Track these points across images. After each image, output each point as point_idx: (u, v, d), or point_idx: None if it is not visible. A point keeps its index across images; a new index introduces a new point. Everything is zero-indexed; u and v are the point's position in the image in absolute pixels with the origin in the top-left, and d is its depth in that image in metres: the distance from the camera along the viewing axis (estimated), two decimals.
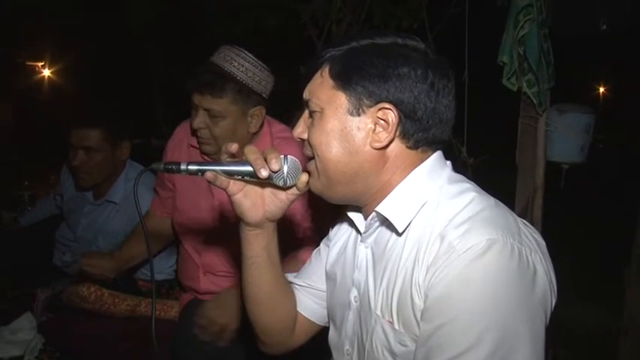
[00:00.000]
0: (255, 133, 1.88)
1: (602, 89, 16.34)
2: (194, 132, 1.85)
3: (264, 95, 1.83)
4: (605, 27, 2.34)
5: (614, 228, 3.81)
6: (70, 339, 2.03)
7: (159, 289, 2.28)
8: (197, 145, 1.91)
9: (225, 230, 1.87)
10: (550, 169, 2.45)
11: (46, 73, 10.57)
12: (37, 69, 10.49)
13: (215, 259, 1.96)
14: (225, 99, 1.76)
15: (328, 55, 1.06)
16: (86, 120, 2.27)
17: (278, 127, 1.96)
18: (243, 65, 1.77)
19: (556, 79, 2.34)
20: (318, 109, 1.06)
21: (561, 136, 2.37)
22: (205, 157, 1.90)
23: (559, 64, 2.34)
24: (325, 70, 1.06)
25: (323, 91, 1.05)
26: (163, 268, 2.34)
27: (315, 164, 1.09)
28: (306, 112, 1.11)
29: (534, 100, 2.26)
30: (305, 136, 1.10)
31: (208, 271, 1.98)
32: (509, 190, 2.46)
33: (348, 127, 1.03)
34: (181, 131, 2.05)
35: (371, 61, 1.01)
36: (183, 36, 7.22)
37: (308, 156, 1.11)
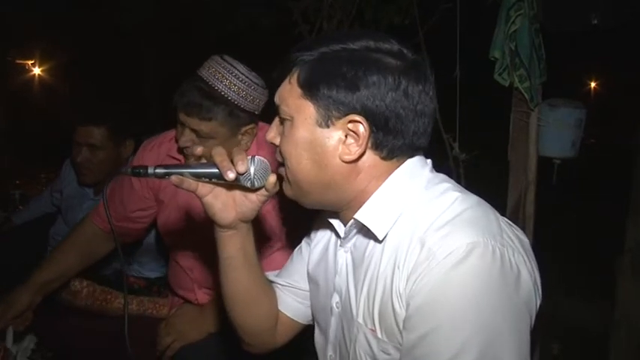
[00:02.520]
0: None
1: (593, 84, 16.41)
2: (180, 149, 1.73)
3: (256, 112, 1.71)
4: (596, 22, 2.35)
5: (606, 222, 3.84)
6: (62, 338, 2.01)
7: (150, 287, 2.28)
8: (178, 158, 1.81)
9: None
10: (542, 164, 2.46)
11: (37, 71, 10.48)
12: (27, 67, 10.40)
13: (208, 275, 1.90)
14: (214, 121, 1.62)
15: (298, 59, 1.01)
16: (91, 117, 2.28)
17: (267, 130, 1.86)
18: (234, 84, 1.61)
19: (548, 74, 2.35)
20: (288, 117, 1.03)
21: (553, 131, 2.38)
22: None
23: (551, 59, 2.35)
24: (294, 77, 1.01)
25: (292, 99, 1.01)
26: (156, 266, 2.33)
27: (286, 172, 1.06)
28: (277, 118, 1.08)
29: (526, 96, 2.26)
30: (277, 141, 1.07)
31: (203, 285, 1.94)
32: (501, 185, 2.47)
33: (317, 139, 0.99)
34: (165, 141, 1.93)
35: (340, 69, 0.96)
36: (177, 34, 7.18)
37: (279, 162, 1.08)
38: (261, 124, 1.80)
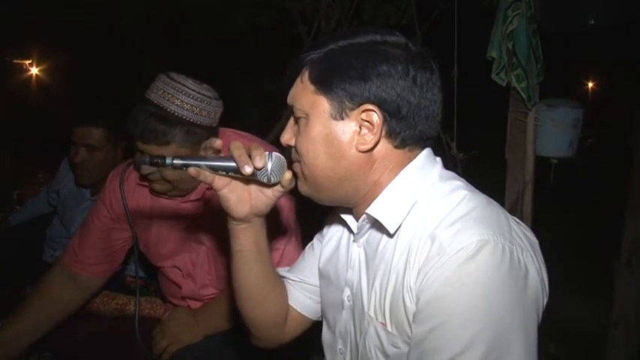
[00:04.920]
0: None
1: (591, 84, 16.45)
2: (143, 176, 1.65)
3: (214, 125, 1.64)
4: (593, 22, 2.35)
5: (603, 222, 3.84)
6: (59, 338, 2.01)
7: (147, 287, 2.28)
8: (146, 184, 1.75)
9: (203, 259, 1.84)
10: (539, 164, 2.46)
11: (34, 71, 10.47)
12: (24, 67, 10.39)
13: (197, 290, 1.90)
14: (172, 144, 1.54)
15: (307, 58, 1.05)
16: (89, 118, 2.29)
17: (228, 135, 1.77)
18: (186, 102, 1.54)
19: (545, 74, 2.35)
20: (302, 115, 1.05)
21: (550, 131, 2.38)
22: (154, 194, 1.77)
23: (548, 59, 2.35)
24: (305, 75, 1.05)
25: (305, 96, 1.04)
26: (153, 266, 2.33)
27: (302, 169, 1.08)
28: (292, 119, 1.11)
29: (523, 95, 2.27)
30: (293, 142, 1.10)
31: (192, 298, 1.93)
32: (498, 185, 2.47)
33: (332, 132, 1.02)
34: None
35: (349, 62, 0.99)
36: (176, 34, 7.17)
37: (295, 160, 1.11)
38: (221, 130, 1.76)
